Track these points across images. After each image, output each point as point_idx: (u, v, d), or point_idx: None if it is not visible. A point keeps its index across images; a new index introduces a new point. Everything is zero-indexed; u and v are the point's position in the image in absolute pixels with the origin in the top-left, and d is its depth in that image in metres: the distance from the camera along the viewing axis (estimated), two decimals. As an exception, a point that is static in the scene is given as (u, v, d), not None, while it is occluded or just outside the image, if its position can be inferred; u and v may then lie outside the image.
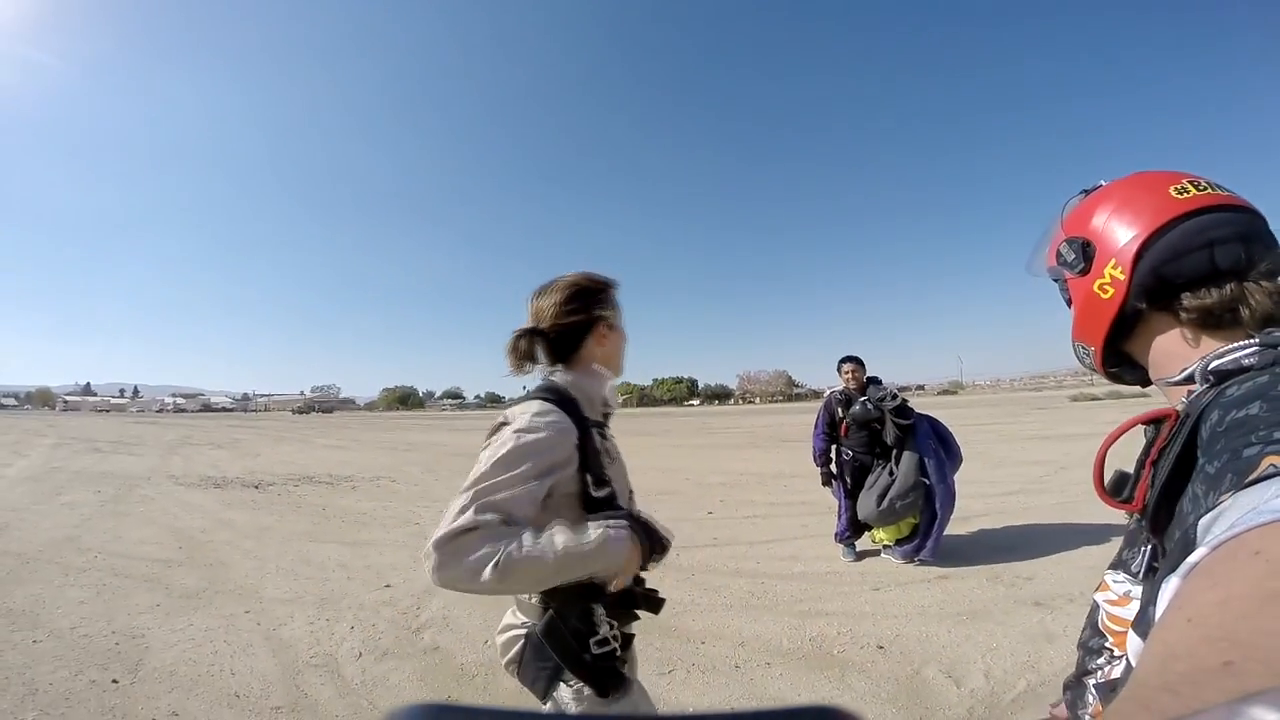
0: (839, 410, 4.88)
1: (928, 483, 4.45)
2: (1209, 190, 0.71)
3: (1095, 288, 0.77)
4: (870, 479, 4.67)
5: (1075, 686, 0.85)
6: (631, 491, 1.37)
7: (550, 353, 1.31)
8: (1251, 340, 0.64)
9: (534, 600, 1.19)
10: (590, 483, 1.16)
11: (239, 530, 6.30)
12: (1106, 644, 0.81)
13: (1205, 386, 0.65)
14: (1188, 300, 0.69)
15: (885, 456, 4.68)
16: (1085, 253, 0.78)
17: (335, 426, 33.42)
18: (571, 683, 1.15)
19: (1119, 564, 0.82)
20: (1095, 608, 0.86)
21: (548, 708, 1.17)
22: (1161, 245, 0.71)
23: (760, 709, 0.19)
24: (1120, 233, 0.74)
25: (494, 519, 1.00)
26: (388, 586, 4.42)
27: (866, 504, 4.57)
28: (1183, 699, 0.26)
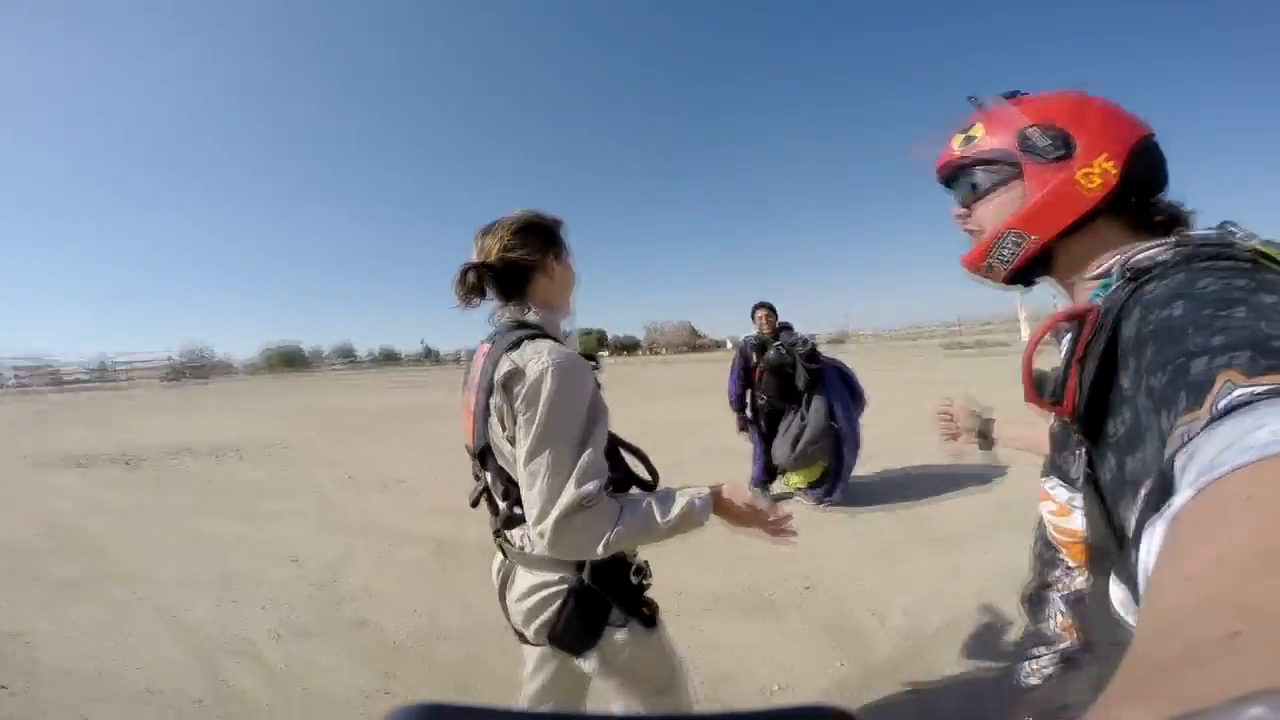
0: (753, 355, 4.97)
1: (836, 427, 4.65)
2: None
3: (1079, 176, 0.77)
4: (783, 425, 4.82)
5: (1036, 599, 0.87)
6: None
7: (499, 289, 1.31)
8: (1166, 240, 0.69)
9: None
10: None
11: (113, 511, 5.73)
12: (1059, 555, 0.83)
13: (1122, 282, 0.67)
14: (1160, 203, 0.78)
15: (796, 401, 4.81)
16: (1066, 141, 0.78)
17: (214, 394, 30.75)
18: (618, 623, 1.20)
19: (1053, 469, 0.83)
20: (1040, 520, 0.87)
21: (590, 662, 1.20)
22: (1148, 151, 0.77)
23: (760, 709, 0.19)
24: (1113, 130, 0.77)
25: (594, 488, 1.06)
26: (294, 561, 4.16)
27: (781, 449, 4.73)
28: (1186, 683, 0.24)
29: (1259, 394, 0.41)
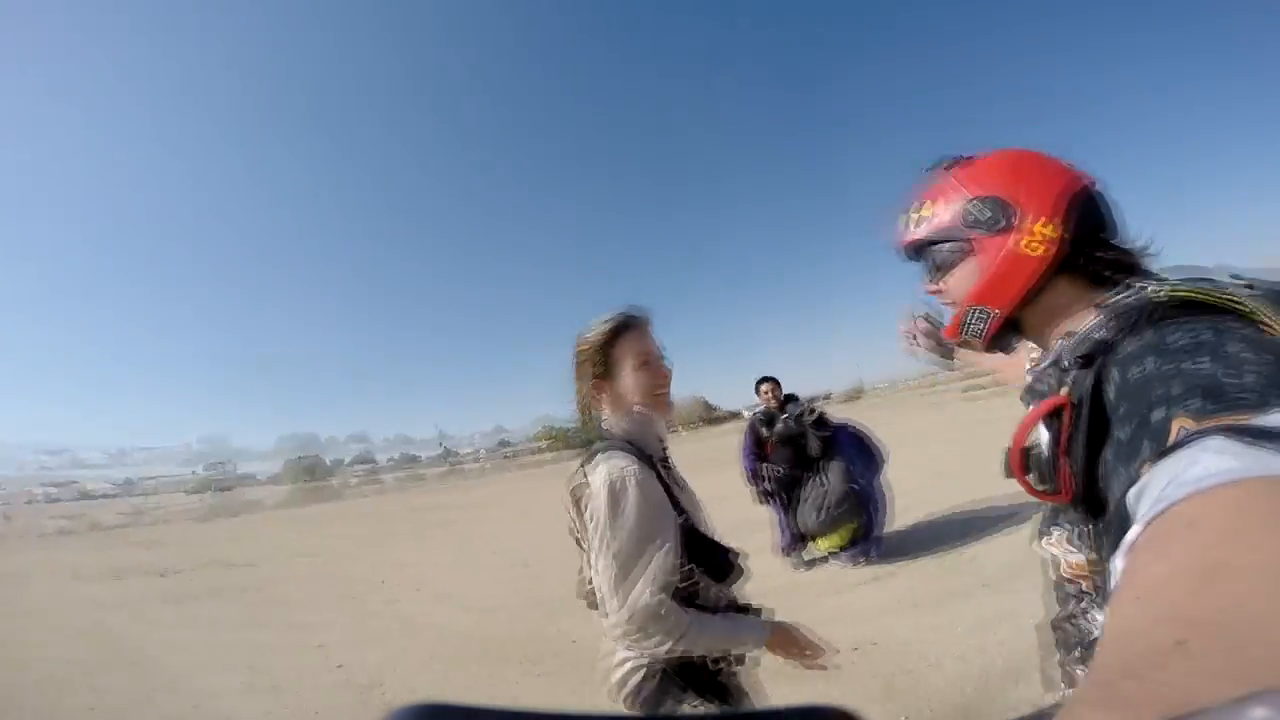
0: (763, 430, 5.07)
1: (857, 487, 4.68)
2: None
3: (1023, 245, 0.77)
4: (804, 492, 4.83)
5: (1065, 628, 0.84)
6: (705, 515, 1.47)
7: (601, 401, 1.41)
8: (1097, 315, 0.69)
9: None
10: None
11: (158, 623, 5.81)
12: (1083, 588, 0.80)
13: (1078, 370, 0.67)
14: (1105, 256, 0.76)
15: (813, 468, 4.84)
16: (1005, 210, 0.78)
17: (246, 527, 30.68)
18: (695, 703, 1.25)
19: (1057, 522, 0.82)
20: (1051, 559, 0.85)
21: None
22: (1086, 205, 0.76)
23: (760, 709, 0.19)
24: (1047, 190, 0.77)
25: (662, 598, 1.16)
26: (340, 666, 4.21)
27: (806, 517, 4.73)
28: (1144, 683, 0.26)
29: (1192, 434, 0.45)
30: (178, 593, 7.45)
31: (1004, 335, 0.86)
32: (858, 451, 4.90)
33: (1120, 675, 0.28)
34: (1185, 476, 0.40)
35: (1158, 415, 0.51)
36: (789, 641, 1.33)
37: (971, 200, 0.81)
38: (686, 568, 1.25)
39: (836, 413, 5.22)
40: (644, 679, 1.27)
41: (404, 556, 8.98)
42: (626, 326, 1.38)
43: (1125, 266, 0.76)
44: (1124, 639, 0.32)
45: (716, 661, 1.30)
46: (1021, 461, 0.72)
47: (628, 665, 1.29)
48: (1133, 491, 0.47)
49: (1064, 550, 0.80)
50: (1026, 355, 1.11)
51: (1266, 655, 0.25)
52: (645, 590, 1.15)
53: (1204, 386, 0.49)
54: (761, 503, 5.14)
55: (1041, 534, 0.86)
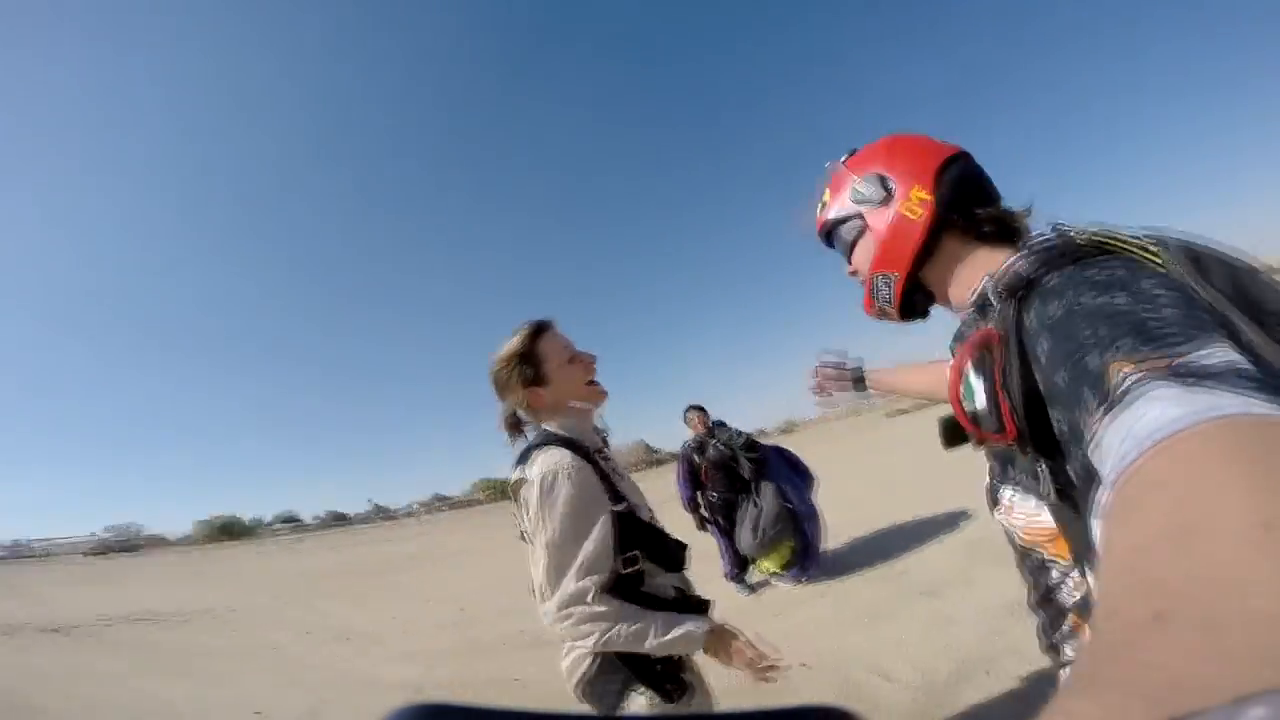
0: (695, 457, 5.14)
1: (791, 507, 4.78)
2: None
3: (903, 210, 0.85)
4: (740, 515, 4.91)
5: (1045, 607, 0.81)
6: (648, 505, 1.50)
7: (517, 424, 1.45)
8: (1018, 252, 0.70)
9: None
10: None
11: (51, 677, 5.26)
12: (1045, 557, 0.78)
13: (1002, 302, 0.70)
14: (982, 213, 0.83)
15: (747, 491, 4.93)
16: (884, 184, 0.87)
17: (148, 565, 28.39)
18: (641, 692, 1.26)
19: (1005, 481, 0.81)
20: (1007, 531, 0.85)
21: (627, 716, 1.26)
22: (954, 171, 0.84)
23: (761, 709, 0.19)
24: (918, 162, 0.86)
25: (592, 583, 1.19)
26: (259, 713, 3.93)
27: (744, 538, 4.80)
28: (1123, 666, 0.26)
29: (1133, 382, 0.44)
30: (72, 644, 6.83)
31: (913, 299, 0.93)
32: (789, 472, 5.03)
33: (1102, 658, 0.27)
34: (1138, 431, 0.40)
35: (1093, 361, 0.50)
36: (730, 646, 1.28)
37: (859, 180, 0.90)
38: (630, 554, 1.28)
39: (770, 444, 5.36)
40: (590, 666, 1.28)
41: (331, 608, 8.49)
42: (541, 329, 1.42)
43: (1004, 223, 0.83)
44: (1107, 617, 0.31)
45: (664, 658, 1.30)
46: (961, 406, 0.74)
47: (574, 654, 1.31)
48: (1090, 449, 0.47)
49: (1021, 515, 0.79)
50: (933, 369, 1.20)
51: (1244, 625, 0.24)
52: (574, 579, 1.20)
53: (1131, 324, 0.50)
54: (700, 529, 5.19)
55: (993, 503, 0.86)
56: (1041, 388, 0.61)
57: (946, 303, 0.92)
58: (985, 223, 0.83)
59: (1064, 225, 0.69)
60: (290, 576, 14.38)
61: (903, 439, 13.94)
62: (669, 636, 1.21)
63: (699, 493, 5.21)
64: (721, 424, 5.26)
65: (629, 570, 1.28)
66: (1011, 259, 0.70)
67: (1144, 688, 0.23)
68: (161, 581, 16.45)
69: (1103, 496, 0.41)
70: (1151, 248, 0.59)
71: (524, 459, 1.32)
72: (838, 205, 0.95)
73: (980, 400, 0.69)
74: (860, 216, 0.91)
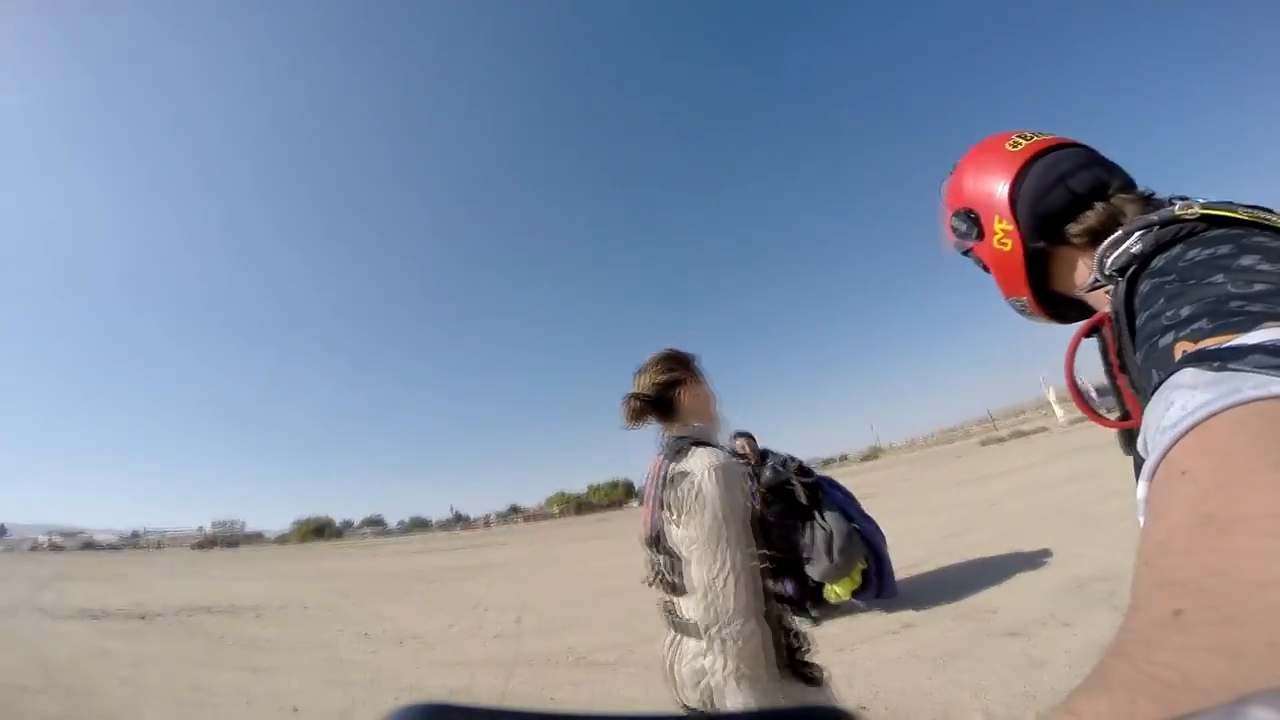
0: (750, 484, 4.79)
1: (857, 527, 4.58)
2: (1035, 138, 0.82)
3: (995, 244, 0.83)
4: (804, 541, 4.63)
5: None
6: None
7: (656, 412, 1.52)
8: (1130, 230, 0.66)
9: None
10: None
11: (116, 659, 5.40)
12: None
13: (1115, 284, 0.66)
14: (1073, 228, 0.76)
15: (805, 517, 4.69)
16: (971, 219, 0.85)
17: (242, 560, 30.15)
18: (778, 685, 1.24)
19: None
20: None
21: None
22: (1025, 189, 0.78)
23: (761, 709, 0.17)
24: (991, 190, 0.82)
25: (745, 580, 1.22)
26: (295, 710, 3.81)
27: (820, 564, 4.49)
28: (1136, 664, 0.25)
29: (1177, 363, 0.42)
30: (148, 631, 7.07)
31: (1057, 310, 0.86)
32: (839, 494, 4.87)
33: (1118, 656, 0.27)
34: (1165, 420, 0.39)
35: (1165, 340, 0.49)
36: None
37: (953, 216, 0.89)
38: (762, 552, 1.32)
39: (857, 475, 5.08)
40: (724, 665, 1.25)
41: (393, 610, 8.46)
42: (692, 361, 1.58)
43: (1103, 232, 0.73)
44: (1131, 613, 0.30)
45: (797, 636, 1.31)
46: (1077, 389, 0.71)
47: (704, 660, 1.27)
48: (1139, 440, 0.45)
49: None
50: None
51: (1264, 624, 0.23)
52: (743, 591, 1.20)
53: (1211, 304, 0.47)
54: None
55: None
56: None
57: (1089, 302, 0.85)
58: (1081, 237, 0.76)
59: (1181, 199, 0.66)
60: (364, 578, 14.72)
61: (995, 469, 13.15)
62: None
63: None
64: (769, 452, 5.10)
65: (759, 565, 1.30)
66: (1128, 238, 0.65)
67: (1157, 687, 0.23)
68: (249, 576, 17.28)
69: (1140, 489, 0.40)
70: (1273, 216, 0.55)
71: (678, 453, 1.37)
72: (949, 241, 0.93)
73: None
74: (969, 250, 0.90)
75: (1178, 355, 0.45)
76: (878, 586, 4.44)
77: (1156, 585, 0.30)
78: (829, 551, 4.44)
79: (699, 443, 1.40)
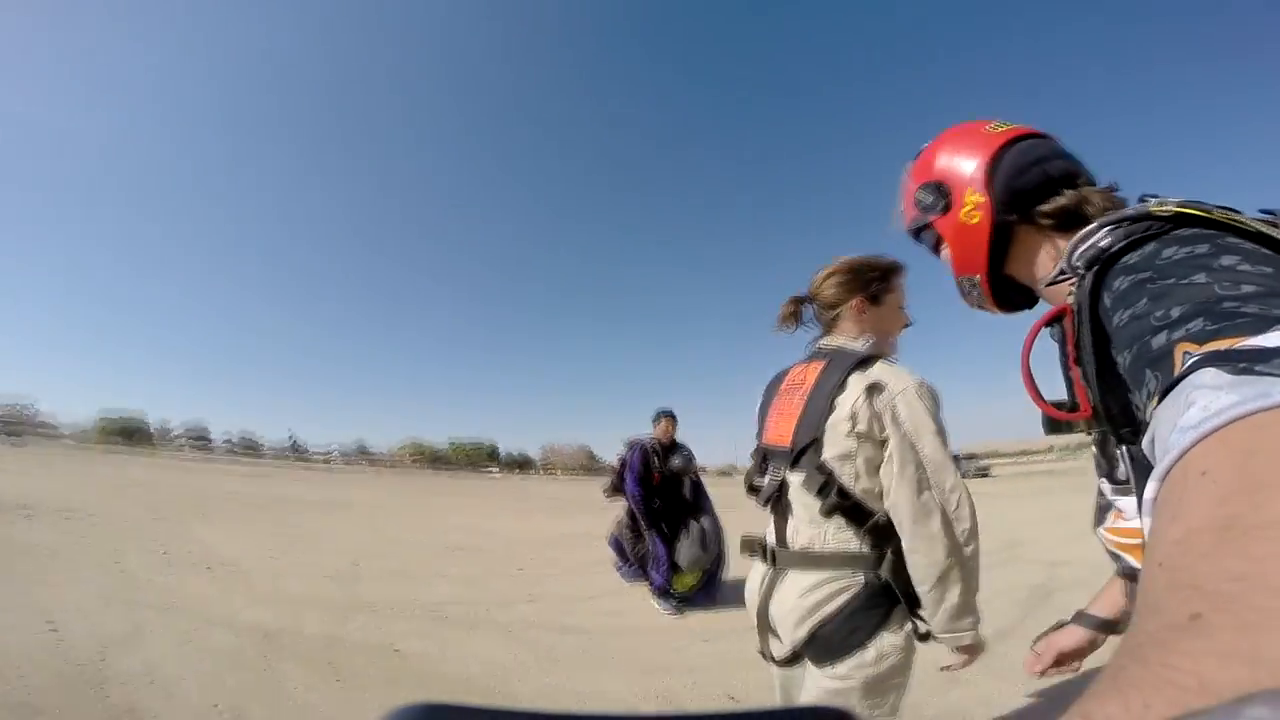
0: (654, 459, 4.89)
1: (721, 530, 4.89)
2: (1010, 126, 0.84)
3: (962, 216, 0.83)
4: (682, 530, 4.76)
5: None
6: None
7: (820, 318, 1.45)
8: (1102, 223, 0.64)
9: (864, 548, 1.23)
10: None
11: None
12: (1135, 565, 0.74)
13: (1081, 275, 0.65)
14: (1043, 208, 0.78)
15: (685, 510, 4.89)
16: (941, 191, 0.85)
17: (25, 455, 25.82)
18: (895, 628, 1.20)
19: (1104, 474, 0.78)
20: (1109, 552, 0.82)
21: (870, 654, 1.17)
22: (1003, 165, 0.80)
23: (761, 709, 0.18)
24: (966, 165, 0.83)
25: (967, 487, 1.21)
26: (52, 628, 3.08)
27: (689, 550, 4.62)
28: (1151, 668, 0.23)
29: (1185, 368, 0.41)
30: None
31: (1006, 294, 0.87)
32: (708, 503, 5.11)
33: (1132, 659, 0.25)
34: (1186, 420, 0.36)
35: (1159, 341, 0.47)
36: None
37: (918, 189, 0.89)
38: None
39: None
40: (850, 599, 1.21)
41: (208, 534, 7.40)
42: (900, 268, 1.45)
43: (1074, 214, 0.76)
44: (1147, 614, 0.28)
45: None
46: (1032, 382, 0.71)
47: (824, 590, 1.22)
48: (1145, 438, 0.44)
49: (1124, 520, 0.74)
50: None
51: None
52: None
53: (1204, 305, 0.46)
54: (647, 527, 4.81)
55: (1098, 519, 0.79)
56: (1119, 368, 0.59)
57: (1040, 292, 0.86)
58: (1050, 217, 0.78)
59: (1152, 197, 0.65)
60: (178, 493, 13.03)
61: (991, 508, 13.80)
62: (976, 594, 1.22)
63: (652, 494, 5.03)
64: (681, 443, 5.17)
65: None
66: (1097, 231, 0.64)
67: (1171, 691, 0.22)
68: (28, 472, 14.84)
69: (1150, 488, 0.37)
70: (1249, 222, 0.54)
71: (857, 365, 1.27)
72: (911, 213, 0.92)
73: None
74: (930, 225, 0.89)
75: (1179, 356, 0.44)
76: (707, 590, 4.71)
77: (1174, 589, 0.28)
78: (702, 543, 4.65)
79: (889, 360, 1.32)
